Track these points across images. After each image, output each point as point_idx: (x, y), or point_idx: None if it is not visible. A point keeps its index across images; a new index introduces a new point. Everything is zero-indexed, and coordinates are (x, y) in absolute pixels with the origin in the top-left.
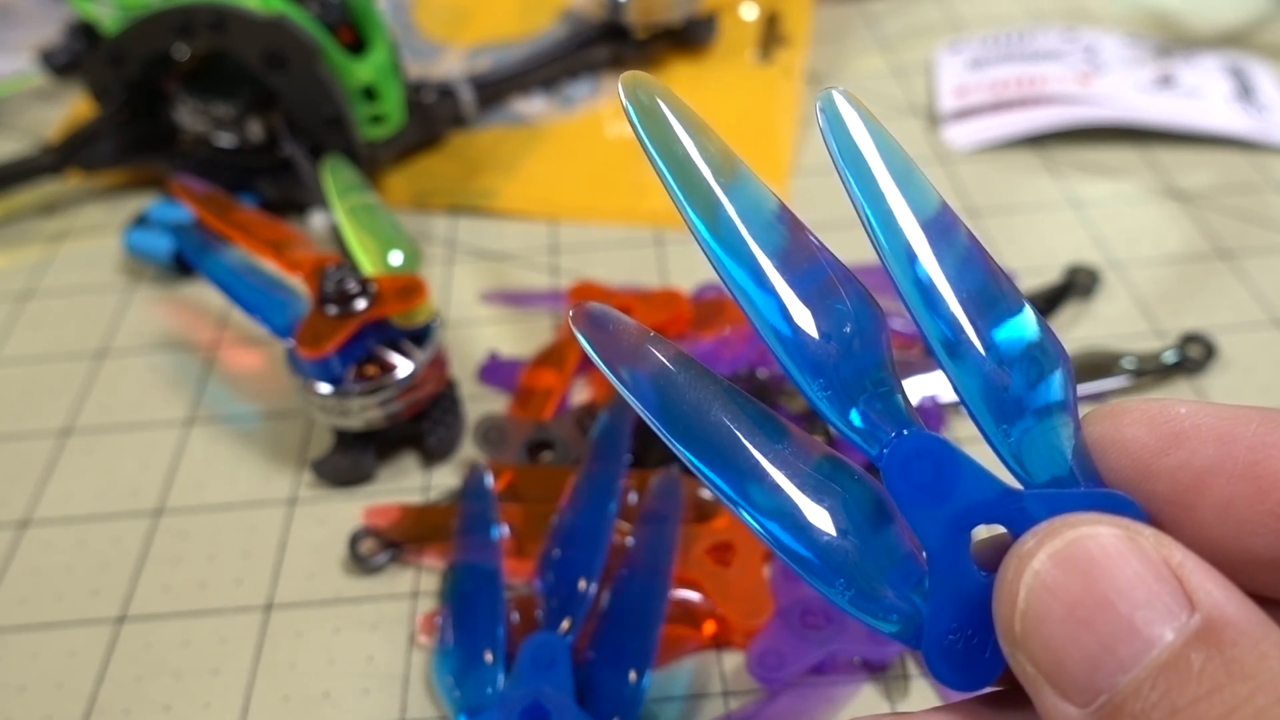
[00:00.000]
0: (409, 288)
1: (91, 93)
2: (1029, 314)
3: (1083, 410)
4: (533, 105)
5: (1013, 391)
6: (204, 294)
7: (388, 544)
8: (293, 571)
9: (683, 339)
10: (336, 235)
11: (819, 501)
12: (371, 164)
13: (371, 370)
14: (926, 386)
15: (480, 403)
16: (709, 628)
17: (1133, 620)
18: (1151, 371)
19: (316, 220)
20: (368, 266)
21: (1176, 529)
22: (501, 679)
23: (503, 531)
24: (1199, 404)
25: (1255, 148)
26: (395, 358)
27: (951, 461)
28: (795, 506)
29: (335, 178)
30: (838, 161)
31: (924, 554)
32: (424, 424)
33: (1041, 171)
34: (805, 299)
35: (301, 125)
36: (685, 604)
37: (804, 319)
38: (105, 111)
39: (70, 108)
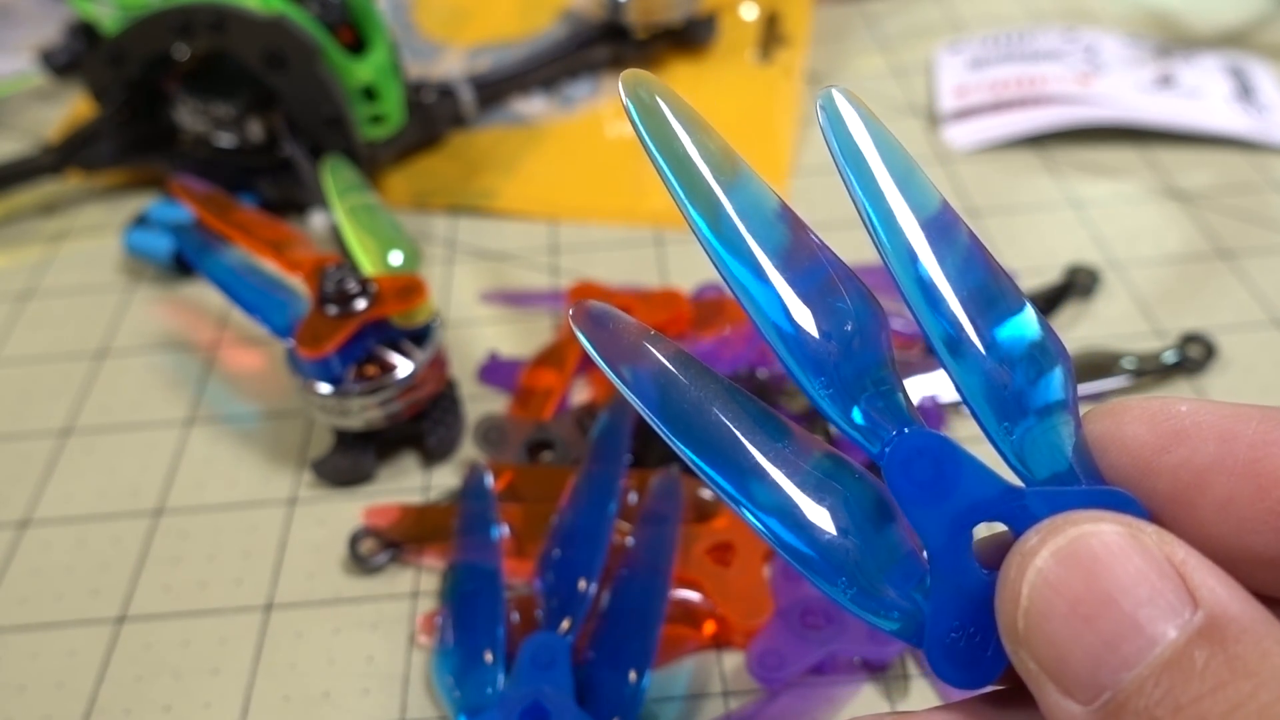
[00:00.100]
0: (409, 288)
1: (91, 93)
2: (1030, 313)
3: (1083, 410)
4: (533, 105)
5: (1014, 390)
6: (204, 294)
7: (388, 544)
8: (293, 571)
9: (683, 339)
10: (336, 235)
11: (820, 500)
12: (371, 164)
13: (371, 370)
14: (927, 386)
15: (480, 403)
16: (709, 628)
17: (1136, 617)
18: (1151, 371)
19: (316, 220)
20: (368, 266)
21: (1177, 527)
22: (501, 679)
23: (503, 531)
24: (1199, 402)
25: (1255, 148)
26: (395, 358)
27: (953, 459)
28: (796, 505)
29: (335, 178)
30: (838, 160)
31: (925, 552)
32: (424, 424)
33: (1041, 171)
34: (806, 298)
35: (301, 125)
36: (685, 604)
37: (805, 318)
38: (105, 111)
39: (70, 108)
